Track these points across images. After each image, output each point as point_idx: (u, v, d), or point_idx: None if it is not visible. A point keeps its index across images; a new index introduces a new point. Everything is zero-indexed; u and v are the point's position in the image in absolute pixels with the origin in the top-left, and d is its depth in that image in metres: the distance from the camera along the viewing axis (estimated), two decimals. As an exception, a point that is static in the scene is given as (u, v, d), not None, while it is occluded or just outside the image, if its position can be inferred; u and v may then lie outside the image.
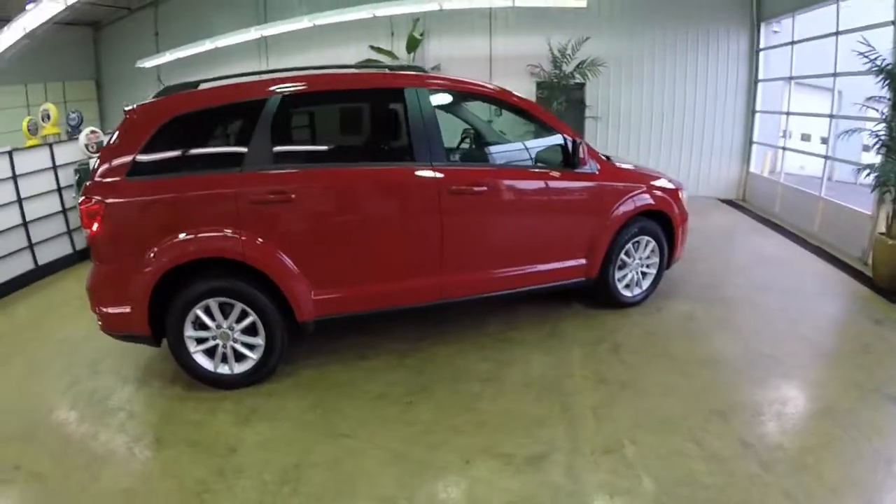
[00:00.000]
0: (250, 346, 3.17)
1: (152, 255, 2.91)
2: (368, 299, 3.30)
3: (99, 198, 2.91)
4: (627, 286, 4.15)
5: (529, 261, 3.73)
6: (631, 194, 3.92)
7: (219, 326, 3.08)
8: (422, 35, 9.08)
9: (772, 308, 4.10)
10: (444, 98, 3.66)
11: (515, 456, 2.60)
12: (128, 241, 2.98)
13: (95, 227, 2.93)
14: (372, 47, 9.13)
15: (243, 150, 3.02)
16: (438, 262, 3.38)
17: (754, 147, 7.58)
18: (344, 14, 8.17)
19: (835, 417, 2.80)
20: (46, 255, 5.45)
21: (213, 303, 3.03)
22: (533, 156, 3.69)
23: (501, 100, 3.73)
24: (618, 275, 4.07)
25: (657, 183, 4.11)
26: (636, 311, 4.13)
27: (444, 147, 3.36)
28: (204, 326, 3.09)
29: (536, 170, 3.67)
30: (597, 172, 3.79)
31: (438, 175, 3.23)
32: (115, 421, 2.99)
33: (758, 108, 7.43)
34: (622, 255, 4.03)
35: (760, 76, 7.33)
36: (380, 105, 3.54)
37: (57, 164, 5.62)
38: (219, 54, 10.42)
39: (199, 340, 3.11)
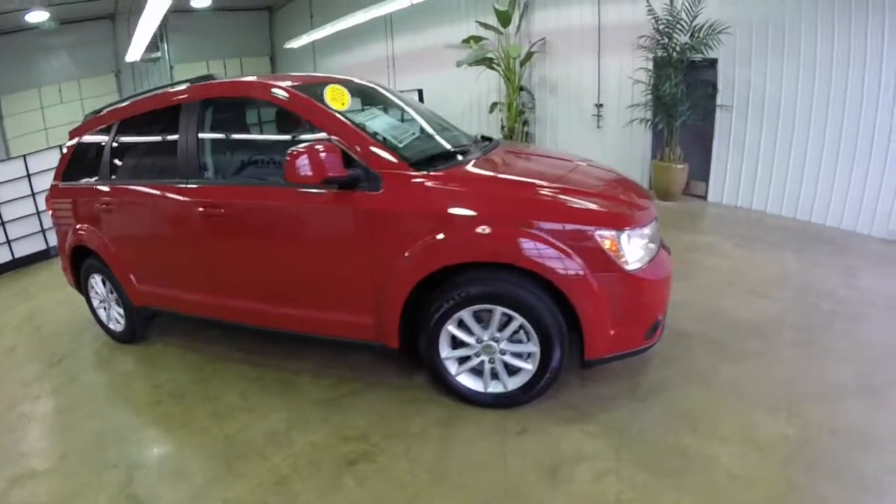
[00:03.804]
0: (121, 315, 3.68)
1: (67, 238, 3.78)
2: (177, 302, 3.31)
3: (48, 194, 4.01)
4: (478, 372, 2.57)
5: (294, 301, 2.84)
6: (447, 233, 2.34)
7: (103, 293, 3.74)
8: (524, 7, 7.58)
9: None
10: (216, 108, 3.07)
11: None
12: (61, 225, 3.92)
13: (50, 213, 4.02)
14: (479, 23, 8.01)
15: (99, 166, 3.54)
16: (209, 282, 3.12)
17: None
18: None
19: None
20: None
21: (97, 276, 3.69)
22: None
23: (266, 101, 2.89)
24: (449, 353, 2.55)
25: (536, 213, 2.29)
26: (487, 419, 2.49)
27: (200, 163, 2.99)
28: (95, 289, 3.79)
29: (283, 188, 2.63)
30: (377, 192, 2.43)
31: (188, 194, 2.99)
32: (66, 337, 4.11)
33: None
34: (450, 327, 2.47)
35: None
36: (167, 123, 3.20)
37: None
38: (354, 33, 10.43)
39: (100, 301, 3.82)
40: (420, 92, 9.29)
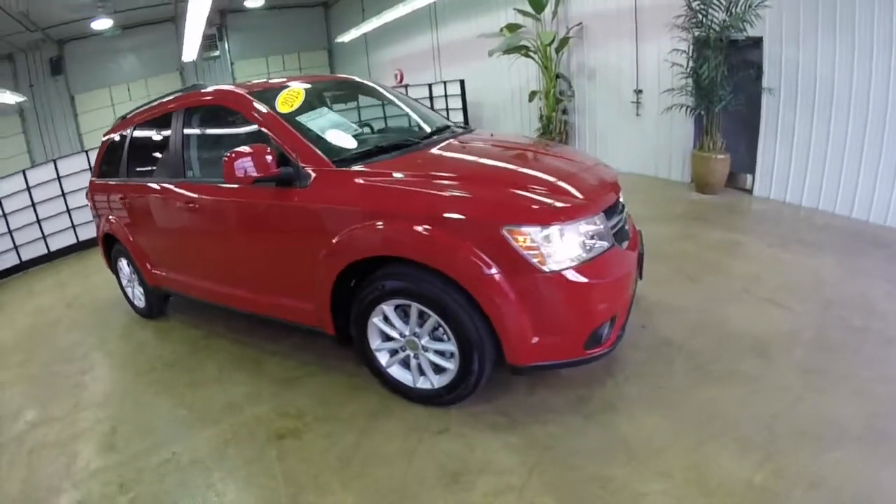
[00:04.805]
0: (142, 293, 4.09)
1: (101, 226, 4.23)
2: (176, 283, 3.60)
3: (88, 188, 4.36)
4: (406, 365, 2.52)
5: (252, 286, 3.01)
6: (356, 228, 2.32)
7: (128, 275, 4.16)
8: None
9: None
10: (193, 115, 3.25)
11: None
12: (96, 215, 4.33)
13: (90, 204, 4.40)
14: (517, 10, 7.56)
15: (119, 165, 3.85)
16: (194, 267, 3.42)
17: None
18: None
19: None
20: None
21: (123, 259, 4.11)
22: None
23: (221, 106, 3.07)
24: (380, 344, 2.53)
25: (438, 208, 2.14)
26: (413, 414, 2.47)
27: (184, 163, 3.22)
28: (122, 271, 4.25)
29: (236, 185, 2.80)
30: (306, 188, 2.48)
31: (174, 191, 3.23)
32: (104, 312, 4.62)
33: None
34: (374, 320, 2.45)
35: None
36: (163, 128, 3.44)
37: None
38: (402, 26, 10.37)
39: (127, 281, 4.23)
40: (462, 82, 9.03)
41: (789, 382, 2.46)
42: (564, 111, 7.55)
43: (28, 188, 6.39)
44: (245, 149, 2.42)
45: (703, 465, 1.98)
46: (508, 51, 7.08)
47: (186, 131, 3.22)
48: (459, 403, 2.47)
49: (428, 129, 3.20)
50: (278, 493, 2.12)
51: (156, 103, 3.66)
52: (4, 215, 6.23)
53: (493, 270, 2.04)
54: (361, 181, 2.38)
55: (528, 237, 2.01)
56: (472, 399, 2.46)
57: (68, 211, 6.71)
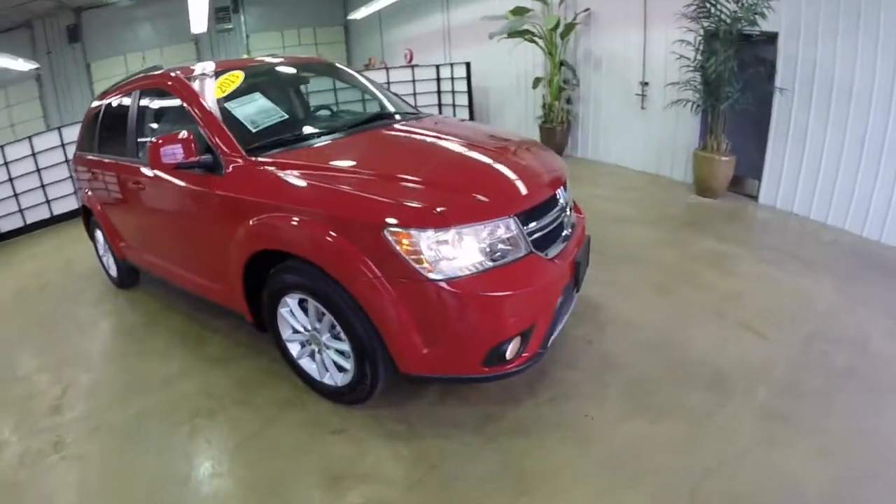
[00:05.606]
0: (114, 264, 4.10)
1: (81, 198, 4.28)
2: (139, 259, 3.63)
3: (72, 160, 4.56)
4: (314, 358, 2.43)
5: (187, 266, 3.02)
6: (252, 219, 2.25)
7: (104, 245, 4.15)
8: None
9: None
10: (145, 97, 3.24)
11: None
12: (79, 188, 4.47)
13: (75, 175, 4.49)
14: (527, -9, 7.07)
15: (94, 140, 3.83)
16: (146, 244, 3.44)
17: None
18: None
19: None
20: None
21: (98, 230, 4.12)
22: None
23: (163, 89, 3.00)
24: (290, 335, 2.45)
25: (323, 204, 2.01)
26: (317, 409, 2.42)
27: (137, 144, 3.22)
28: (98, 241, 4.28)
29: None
30: (222, 176, 2.40)
31: (130, 169, 3.24)
32: (88, 279, 4.61)
33: None
34: (281, 311, 2.38)
35: None
36: (124, 108, 3.42)
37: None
38: (415, 6, 9.98)
39: (103, 251, 4.27)
40: (468, 65, 8.61)
41: (741, 427, 2.08)
42: (568, 100, 7.08)
43: (34, 154, 6.41)
44: (164, 136, 2.36)
45: (608, 519, 1.64)
46: (511, 35, 6.62)
47: (139, 113, 3.24)
48: (363, 405, 2.35)
49: (369, 115, 3.15)
50: (174, 471, 2.15)
51: (123, 82, 3.67)
52: (11, 179, 6.28)
53: (375, 274, 1.86)
54: (265, 172, 2.29)
55: (413, 241, 1.78)
56: (379, 401, 2.34)
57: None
